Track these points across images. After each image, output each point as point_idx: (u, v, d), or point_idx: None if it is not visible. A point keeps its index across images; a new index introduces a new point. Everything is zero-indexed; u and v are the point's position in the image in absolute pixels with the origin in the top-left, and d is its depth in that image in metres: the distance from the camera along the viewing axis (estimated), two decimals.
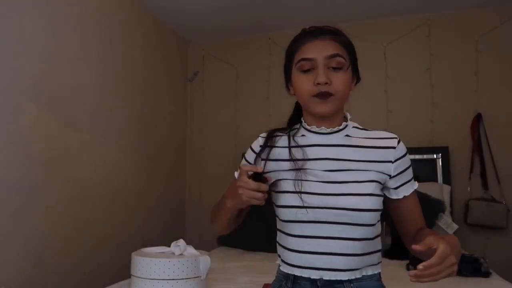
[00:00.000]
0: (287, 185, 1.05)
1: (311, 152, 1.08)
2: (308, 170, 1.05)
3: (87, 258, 2.26)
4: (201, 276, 1.40)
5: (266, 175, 1.03)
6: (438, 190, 2.68)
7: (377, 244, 1.08)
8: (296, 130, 1.15)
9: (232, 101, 3.45)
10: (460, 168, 2.86)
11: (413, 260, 1.91)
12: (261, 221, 2.36)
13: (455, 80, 2.95)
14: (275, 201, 1.08)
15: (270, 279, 1.21)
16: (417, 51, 3.04)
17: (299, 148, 1.09)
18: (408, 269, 1.96)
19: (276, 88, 3.22)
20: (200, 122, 3.53)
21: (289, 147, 1.10)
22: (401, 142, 1.09)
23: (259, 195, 0.94)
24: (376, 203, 1.02)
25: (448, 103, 2.95)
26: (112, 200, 2.50)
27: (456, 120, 2.91)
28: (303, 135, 1.12)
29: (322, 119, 1.08)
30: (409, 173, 1.10)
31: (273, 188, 1.10)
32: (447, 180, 2.82)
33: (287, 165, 1.08)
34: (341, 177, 1.03)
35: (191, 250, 1.48)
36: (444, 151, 2.86)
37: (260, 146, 1.15)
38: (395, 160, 1.06)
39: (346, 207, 0.99)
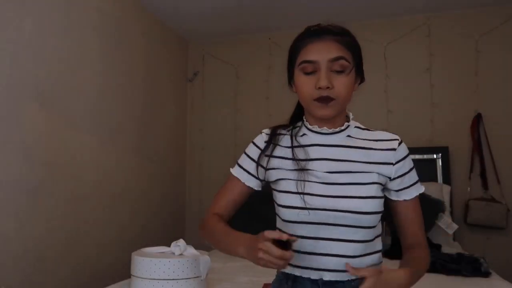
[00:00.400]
0: (289, 185, 1.05)
1: (312, 152, 1.07)
2: (310, 171, 1.04)
3: (87, 258, 2.26)
4: (201, 276, 1.40)
5: (291, 238, 0.89)
6: (438, 190, 2.68)
7: (377, 245, 1.07)
8: (298, 128, 1.15)
9: (232, 101, 3.45)
10: (460, 168, 2.86)
11: None
12: (261, 221, 2.35)
13: (455, 80, 2.95)
14: (277, 200, 1.08)
15: (270, 279, 1.21)
16: (417, 51, 3.04)
17: (301, 148, 1.09)
18: None
19: (276, 88, 3.22)
20: (200, 122, 3.53)
21: (292, 147, 1.10)
22: (402, 144, 1.08)
23: (281, 262, 0.87)
24: (377, 205, 1.01)
25: (448, 103, 2.95)
26: (112, 200, 2.50)
27: (456, 120, 2.91)
28: (304, 134, 1.12)
29: (324, 119, 1.08)
30: (412, 176, 1.07)
31: (275, 187, 1.10)
32: (447, 180, 2.82)
33: (289, 164, 1.08)
34: (343, 178, 1.02)
35: (191, 250, 1.48)
36: (444, 151, 2.86)
37: (265, 142, 1.14)
38: (396, 162, 1.05)
39: (348, 209, 0.99)
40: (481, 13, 2.93)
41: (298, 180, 1.04)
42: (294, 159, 1.07)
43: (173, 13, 3.05)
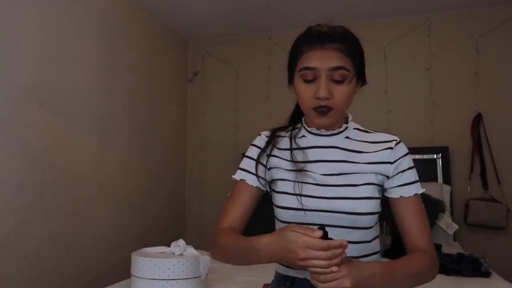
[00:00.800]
0: (287, 186, 1.05)
1: (311, 154, 1.07)
2: (308, 173, 1.04)
3: (87, 258, 2.26)
4: (201, 276, 1.40)
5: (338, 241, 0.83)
6: (438, 190, 2.68)
7: (375, 246, 1.07)
8: (297, 130, 1.15)
9: (232, 101, 3.45)
10: (460, 168, 2.86)
11: None
12: (261, 221, 2.35)
13: (455, 80, 2.95)
14: (274, 200, 1.08)
15: (269, 279, 1.21)
16: (417, 51, 3.04)
17: (300, 150, 1.09)
18: None
19: (276, 88, 3.22)
20: (200, 122, 3.53)
21: (291, 149, 1.10)
22: (400, 143, 1.07)
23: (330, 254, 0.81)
24: (373, 206, 1.01)
25: (448, 103, 2.95)
26: (112, 200, 2.50)
27: (456, 120, 2.91)
28: (303, 136, 1.12)
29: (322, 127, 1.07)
30: (412, 174, 1.05)
31: (273, 187, 1.10)
32: (447, 180, 2.82)
33: (288, 165, 1.08)
34: (339, 180, 1.02)
35: (191, 250, 1.48)
36: (444, 151, 2.86)
37: (266, 142, 1.14)
38: (394, 161, 1.04)
39: (343, 210, 0.99)
40: (481, 13, 2.93)
41: (295, 182, 1.04)
42: (292, 160, 1.07)
43: (173, 14, 3.05)
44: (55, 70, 2.08)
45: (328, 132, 1.08)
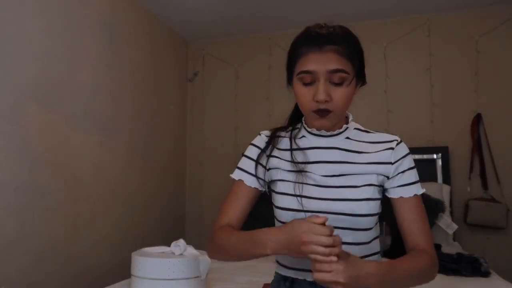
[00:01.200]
0: (287, 187, 1.05)
1: (311, 155, 1.07)
2: (308, 174, 1.04)
3: (87, 258, 2.26)
4: (201, 276, 1.40)
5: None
6: (438, 190, 2.68)
7: (375, 247, 1.07)
8: (297, 130, 1.14)
9: (232, 101, 3.45)
10: (460, 168, 2.86)
11: None
12: (261, 221, 2.36)
13: (455, 80, 2.95)
14: (274, 201, 1.08)
15: (269, 279, 1.21)
16: (417, 51, 3.04)
17: (300, 151, 1.09)
18: None
19: (276, 88, 3.22)
20: (200, 122, 3.53)
21: (291, 149, 1.10)
22: (401, 144, 1.06)
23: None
24: (373, 207, 1.01)
25: (448, 103, 2.95)
26: (112, 200, 2.50)
27: (456, 120, 2.91)
28: (303, 136, 1.11)
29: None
30: (412, 175, 1.05)
31: (273, 188, 1.10)
32: (447, 180, 2.82)
33: (288, 166, 1.08)
34: (340, 181, 1.02)
35: (191, 250, 1.48)
36: (444, 151, 2.86)
37: (266, 142, 1.13)
38: (395, 162, 1.04)
39: (344, 212, 0.99)
40: (481, 13, 2.93)
41: (296, 183, 1.03)
42: (292, 161, 1.07)
43: (173, 13, 3.05)
44: (55, 71, 2.08)
45: (329, 133, 1.07)
